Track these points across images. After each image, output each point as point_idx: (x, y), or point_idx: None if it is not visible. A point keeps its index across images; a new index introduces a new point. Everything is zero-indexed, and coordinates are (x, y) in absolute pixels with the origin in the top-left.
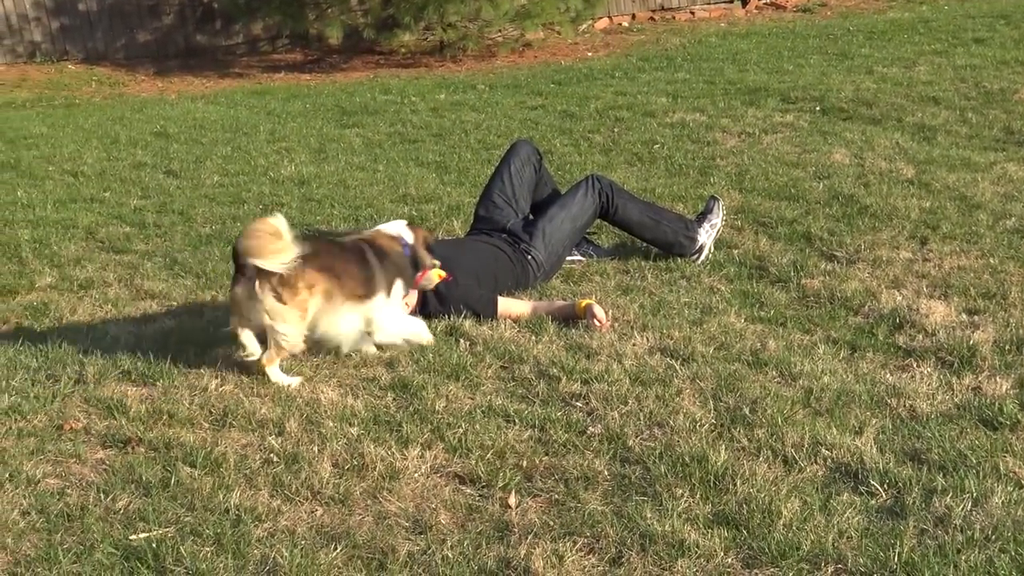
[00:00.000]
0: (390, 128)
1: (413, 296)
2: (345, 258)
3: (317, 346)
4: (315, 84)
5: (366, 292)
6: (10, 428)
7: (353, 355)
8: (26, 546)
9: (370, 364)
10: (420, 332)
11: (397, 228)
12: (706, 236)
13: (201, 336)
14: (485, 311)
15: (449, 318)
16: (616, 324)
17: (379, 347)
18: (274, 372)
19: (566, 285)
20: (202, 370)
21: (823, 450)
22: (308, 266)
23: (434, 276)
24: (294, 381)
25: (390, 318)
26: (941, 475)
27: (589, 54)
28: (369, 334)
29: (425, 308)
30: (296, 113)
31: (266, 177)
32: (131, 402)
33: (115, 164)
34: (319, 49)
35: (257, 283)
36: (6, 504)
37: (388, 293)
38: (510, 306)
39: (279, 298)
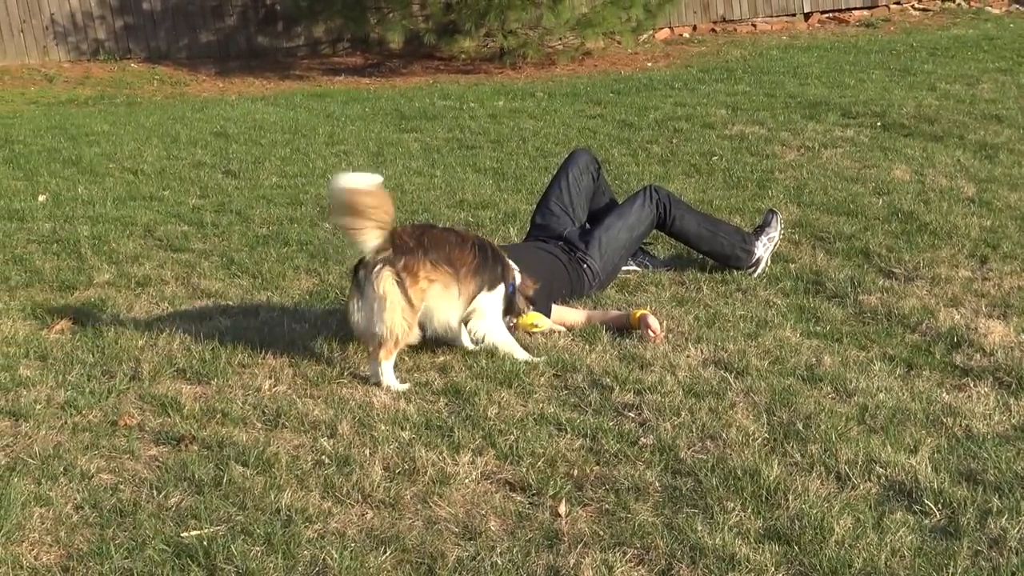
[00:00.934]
0: (448, 134)
1: None
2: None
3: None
4: (374, 88)
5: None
6: (65, 423)
7: (406, 359)
8: (79, 540)
9: (423, 369)
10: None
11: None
12: (763, 249)
13: (256, 336)
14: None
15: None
16: (670, 335)
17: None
18: (388, 370)
19: (621, 295)
20: (256, 370)
21: (877, 468)
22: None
23: (523, 323)
24: (402, 387)
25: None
26: (997, 496)
27: (649, 64)
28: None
29: None
30: (355, 116)
31: (324, 180)
32: (185, 400)
33: (175, 163)
34: (379, 53)
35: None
36: (60, 498)
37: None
38: (564, 314)
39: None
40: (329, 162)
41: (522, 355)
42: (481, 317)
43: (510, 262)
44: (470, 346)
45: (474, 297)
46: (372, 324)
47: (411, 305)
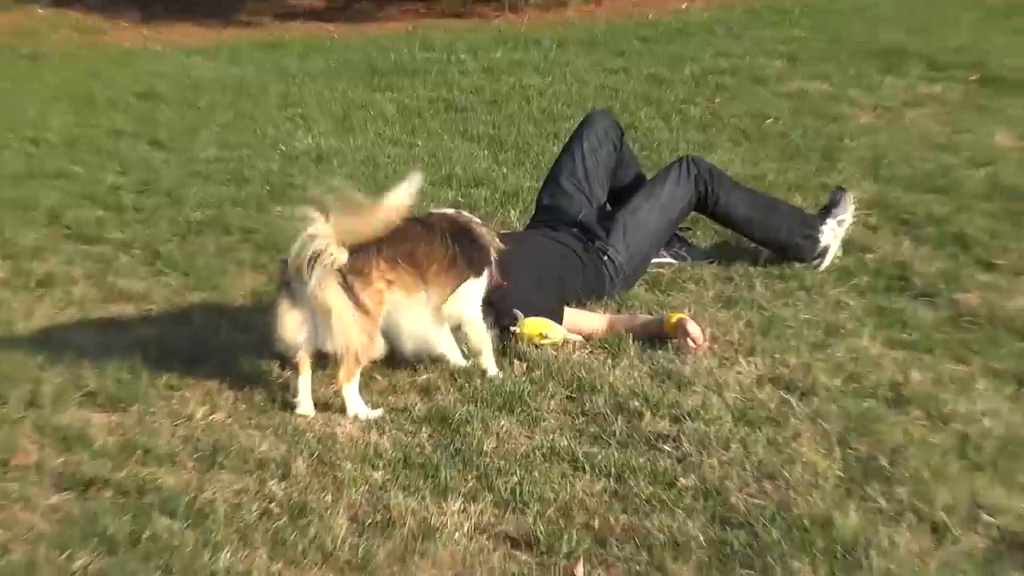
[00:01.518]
0: (432, 93)
1: None
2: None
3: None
4: (340, 36)
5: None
6: None
7: (378, 376)
8: None
9: (401, 390)
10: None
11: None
12: (831, 236)
13: (187, 350)
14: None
15: (501, 333)
16: (715, 346)
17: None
18: (352, 395)
19: (652, 294)
20: (187, 393)
21: (984, 515)
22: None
23: (528, 333)
24: (374, 413)
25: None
26: None
27: (683, 5)
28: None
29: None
30: (315, 72)
31: (276, 151)
32: (96, 432)
33: (88, 131)
34: None
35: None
36: None
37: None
38: (580, 319)
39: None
40: (282, 129)
41: (491, 367)
42: (457, 299)
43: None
44: (460, 361)
45: (448, 298)
46: (317, 340)
47: (366, 313)
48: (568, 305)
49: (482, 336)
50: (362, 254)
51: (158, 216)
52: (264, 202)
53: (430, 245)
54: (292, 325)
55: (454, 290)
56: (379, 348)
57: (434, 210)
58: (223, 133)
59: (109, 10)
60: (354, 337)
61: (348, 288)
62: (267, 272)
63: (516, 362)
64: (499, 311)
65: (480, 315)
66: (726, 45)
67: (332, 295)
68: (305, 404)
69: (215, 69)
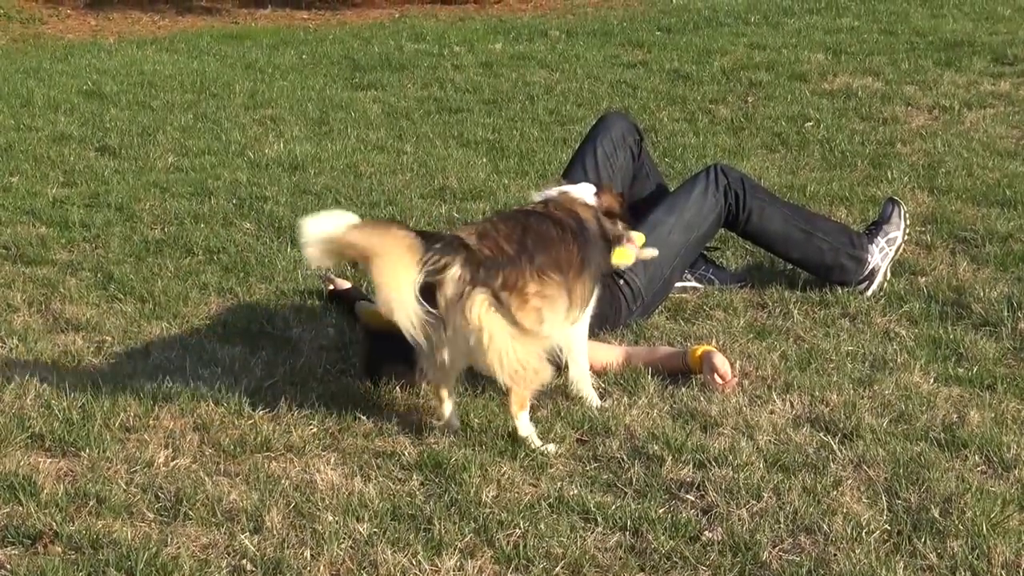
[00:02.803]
0: (423, 91)
1: None
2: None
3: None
4: (315, 26)
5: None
6: None
7: (366, 418)
8: None
9: (387, 432)
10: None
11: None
12: (880, 256)
13: (146, 386)
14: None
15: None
16: (746, 381)
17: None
18: (525, 424)
19: (674, 323)
20: (146, 435)
21: None
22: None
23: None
24: (550, 448)
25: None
26: None
27: None
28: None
29: None
30: (287, 67)
31: (243, 159)
32: (43, 480)
33: (26, 136)
34: None
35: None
36: None
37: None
38: (593, 351)
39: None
40: (250, 133)
41: (593, 396)
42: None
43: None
44: (594, 399)
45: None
46: (481, 367)
47: (529, 333)
48: None
49: (584, 359)
50: (510, 266)
51: (109, 234)
52: (230, 217)
53: (566, 244)
54: (443, 358)
55: (589, 301)
56: (549, 370)
57: (542, 194)
58: (182, 138)
59: None
60: (523, 362)
61: (504, 308)
62: (235, 297)
63: None
64: None
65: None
66: (761, 36)
67: (488, 321)
68: (455, 422)
69: (172, 64)
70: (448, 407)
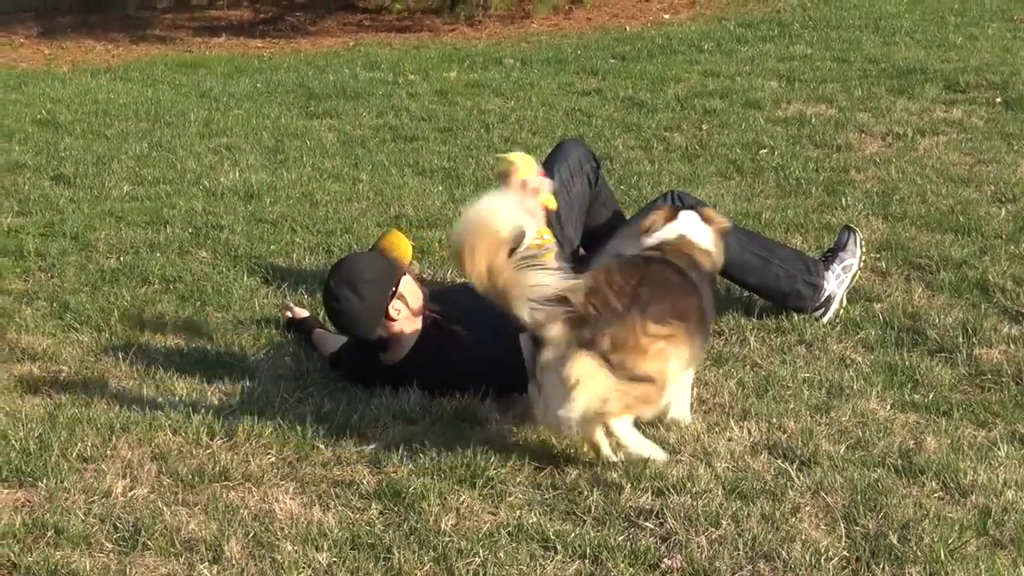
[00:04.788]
0: (377, 119)
1: (416, 320)
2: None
3: None
4: (270, 54)
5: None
6: None
7: (325, 447)
8: None
9: (346, 461)
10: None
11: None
12: (836, 283)
13: (103, 416)
14: (513, 381)
15: (460, 392)
16: (704, 408)
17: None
18: (627, 430)
19: None
20: (104, 466)
21: None
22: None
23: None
24: (659, 453)
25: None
26: None
27: (666, 16)
28: None
29: (425, 373)
30: (242, 95)
31: (198, 187)
32: (1, 510)
33: None
34: (276, 3)
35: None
36: None
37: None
38: None
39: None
40: (205, 162)
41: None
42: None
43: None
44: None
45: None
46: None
47: (645, 380)
48: None
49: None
50: (619, 322)
51: (65, 263)
52: (187, 246)
53: (686, 291)
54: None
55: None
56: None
57: (656, 235)
58: (137, 167)
59: (2, 23)
60: (628, 400)
61: (615, 367)
62: (192, 326)
63: (478, 428)
64: (444, 358)
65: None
66: (715, 64)
67: (588, 384)
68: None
69: (126, 92)
70: (604, 449)
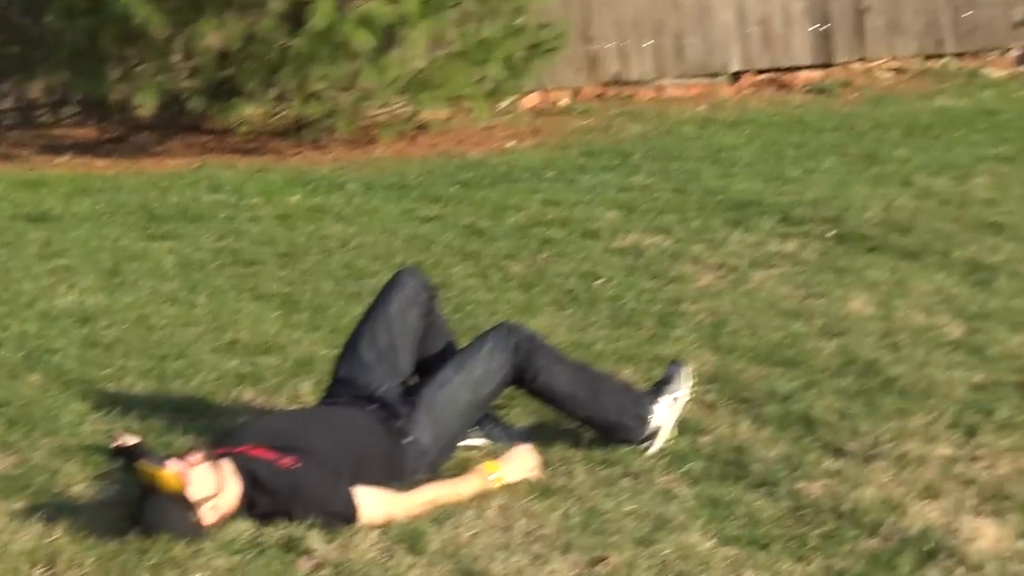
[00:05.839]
0: (218, 243)
1: (229, 487)
2: None
3: None
4: (113, 174)
5: None
6: None
7: None
8: None
9: None
10: None
11: None
12: (663, 416)
13: None
14: (342, 511)
15: (290, 521)
16: (528, 540)
17: None
18: None
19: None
20: None
21: None
22: None
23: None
24: None
25: None
26: None
27: (510, 144)
28: None
29: (253, 507)
30: (83, 215)
31: (32, 310)
32: None
33: None
34: (123, 122)
35: None
36: None
37: None
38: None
39: None
40: (41, 283)
41: None
42: None
43: None
44: None
45: None
46: None
47: None
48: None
49: None
50: None
51: None
52: (17, 370)
53: None
54: None
55: None
56: None
57: None
58: None
59: None
60: None
61: None
62: (19, 451)
63: (303, 559)
64: (275, 495)
65: None
66: (556, 192)
67: None
68: None
69: None
70: None
